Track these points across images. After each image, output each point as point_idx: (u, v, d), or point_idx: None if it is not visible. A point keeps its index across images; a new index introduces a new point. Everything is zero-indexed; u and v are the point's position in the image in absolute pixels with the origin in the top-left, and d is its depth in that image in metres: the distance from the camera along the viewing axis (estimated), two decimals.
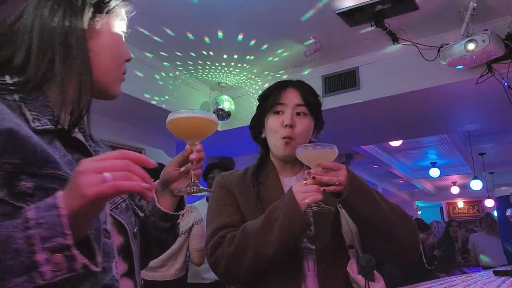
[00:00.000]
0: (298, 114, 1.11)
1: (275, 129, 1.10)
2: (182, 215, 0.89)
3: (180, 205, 0.89)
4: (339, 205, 1.01)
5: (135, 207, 0.82)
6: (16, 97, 0.63)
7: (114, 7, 0.73)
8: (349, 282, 1.00)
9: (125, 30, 0.76)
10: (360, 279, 0.95)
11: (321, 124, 1.20)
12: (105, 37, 0.72)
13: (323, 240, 1.02)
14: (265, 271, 0.99)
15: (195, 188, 0.77)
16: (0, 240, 0.43)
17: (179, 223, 0.91)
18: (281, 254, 0.94)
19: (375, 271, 0.97)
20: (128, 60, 0.77)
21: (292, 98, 1.11)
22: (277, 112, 1.11)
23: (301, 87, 1.14)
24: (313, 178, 0.93)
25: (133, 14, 0.79)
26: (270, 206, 0.99)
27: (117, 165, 0.50)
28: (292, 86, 1.14)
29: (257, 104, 1.20)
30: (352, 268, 0.99)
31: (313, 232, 1.03)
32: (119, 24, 0.74)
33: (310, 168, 0.97)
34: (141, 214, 0.84)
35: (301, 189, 0.93)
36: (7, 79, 0.63)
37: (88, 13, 0.69)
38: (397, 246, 0.98)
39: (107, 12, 0.72)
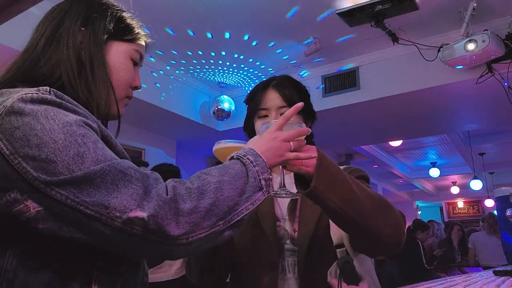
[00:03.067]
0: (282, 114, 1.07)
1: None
2: None
3: None
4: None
5: None
6: None
7: (135, 37, 0.80)
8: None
9: (138, 60, 0.81)
10: (335, 283, 0.88)
11: (312, 115, 1.13)
12: (117, 60, 0.77)
13: (305, 241, 0.97)
14: (245, 271, 1.00)
15: None
16: (244, 171, 0.69)
17: None
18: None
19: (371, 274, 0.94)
20: (136, 88, 0.82)
21: (273, 100, 1.07)
22: (262, 116, 1.09)
23: (281, 87, 1.09)
24: None
25: (152, 42, 0.85)
26: None
27: (292, 135, 0.78)
28: (272, 87, 1.09)
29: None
30: (331, 271, 0.92)
31: (297, 233, 0.99)
32: (134, 52, 0.80)
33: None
34: None
35: None
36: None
37: (106, 35, 0.75)
38: (375, 238, 0.84)
39: (128, 41, 0.79)
